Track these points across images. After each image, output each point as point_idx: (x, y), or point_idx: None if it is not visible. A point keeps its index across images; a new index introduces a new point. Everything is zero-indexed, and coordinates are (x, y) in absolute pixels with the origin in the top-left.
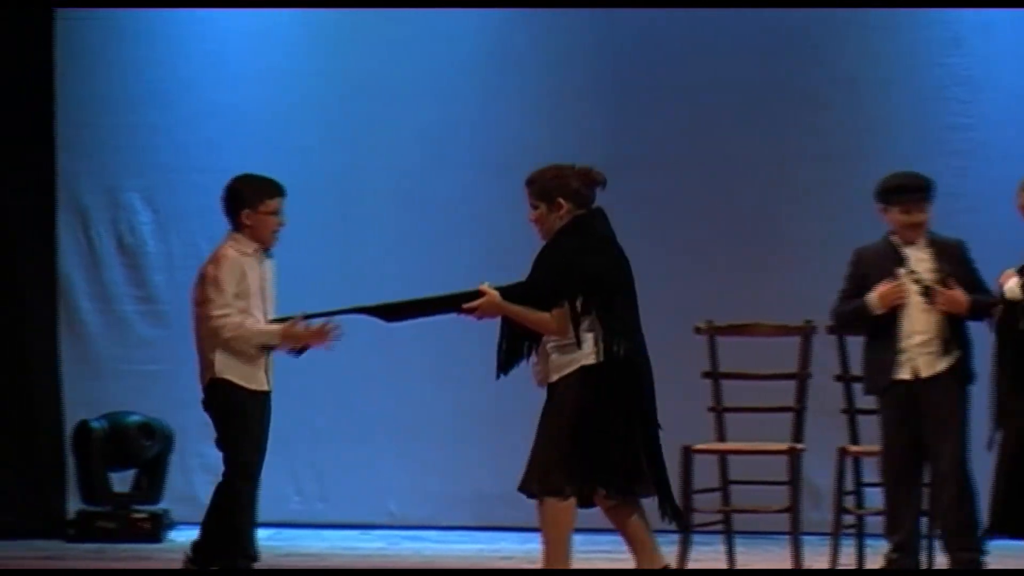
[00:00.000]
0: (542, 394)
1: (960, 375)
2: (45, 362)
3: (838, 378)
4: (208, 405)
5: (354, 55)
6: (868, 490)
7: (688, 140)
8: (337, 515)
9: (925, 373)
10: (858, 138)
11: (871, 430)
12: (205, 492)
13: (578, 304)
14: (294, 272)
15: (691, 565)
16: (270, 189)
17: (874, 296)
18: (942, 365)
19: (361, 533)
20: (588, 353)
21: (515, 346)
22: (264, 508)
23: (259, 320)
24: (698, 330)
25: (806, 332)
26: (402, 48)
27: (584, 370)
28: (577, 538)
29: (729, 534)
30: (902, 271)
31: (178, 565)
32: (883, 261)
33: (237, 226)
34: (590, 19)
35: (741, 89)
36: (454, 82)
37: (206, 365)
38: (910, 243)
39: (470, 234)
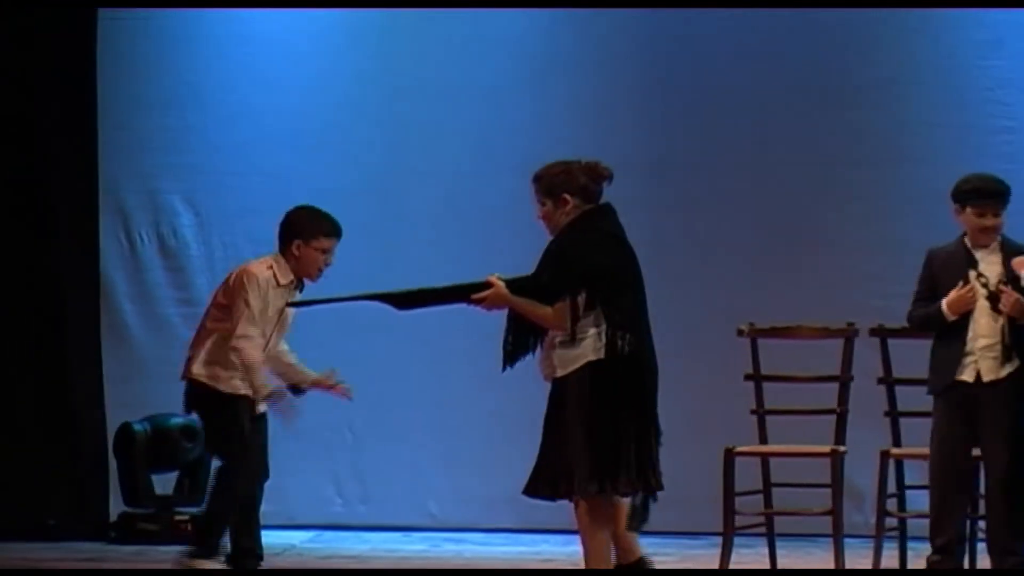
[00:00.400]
0: None
1: (1021, 383)
2: (87, 364)
3: (880, 381)
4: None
5: (394, 56)
6: (910, 493)
7: (731, 142)
8: (379, 517)
9: (987, 377)
10: (900, 141)
11: (913, 433)
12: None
13: (580, 299)
14: (334, 273)
15: (732, 567)
16: (327, 227)
17: (945, 304)
18: (1004, 371)
19: (403, 535)
20: (594, 348)
21: (521, 339)
22: (306, 510)
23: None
24: (740, 332)
25: (848, 335)
26: (444, 50)
27: (591, 366)
28: None
29: (771, 536)
30: (972, 274)
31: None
32: (954, 263)
33: (284, 252)
34: (635, 22)
35: (784, 91)
36: (498, 85)
37: (198, 361)
38: (982, 246)
39: (514, 236)
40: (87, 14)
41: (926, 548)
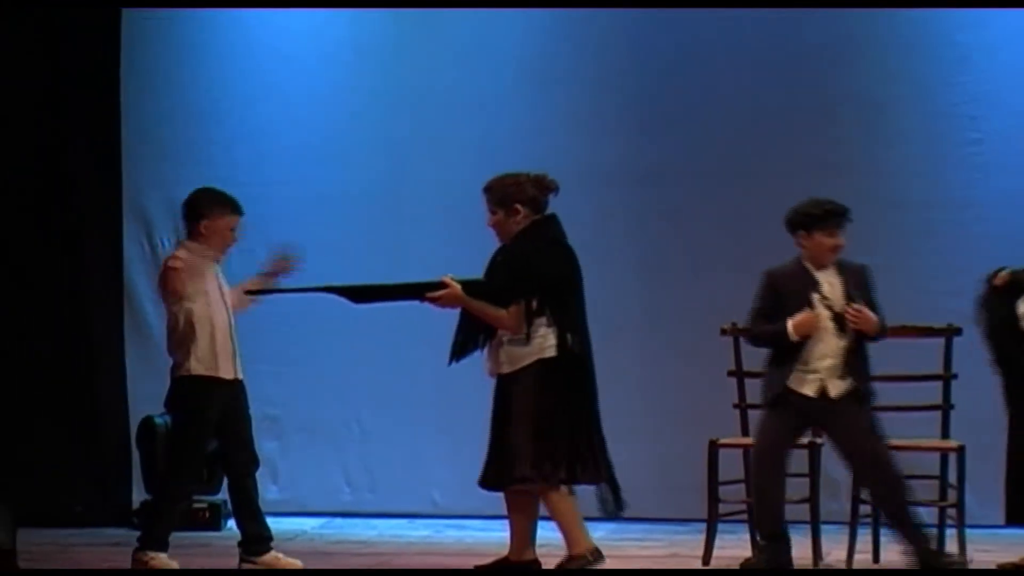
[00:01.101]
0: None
1: (861, 395)
2: (111, 362)
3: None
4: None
5: (398, 71)
6: None
7: (719, 153)
8: (385, 505)
9: (833, 393)
10: (874, 152)
11: (885, 426)
12: (261, 483)
13: (534, 303)
14: (340, 276)
15: (717, 552)
16: (231, 206)
17: (791, 326)
18: (846, 386)
19: (408, 522)
20: (545, 347)
21: (470, 337)
22: (316, 499)
23: (221, 314)
24: (724, 332)
25: None
26: (444, 65)
27: (541, 363)
28: (608, 526)
29: (752, 523)
30: (815, 296)
31: (234, 552)
32: (796, 284)
33: (193, 234)
34: (629, 38)
35: (769, 105)
36: (496, 96)
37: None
38: (822, 267)
39: None
40: (111, 39)
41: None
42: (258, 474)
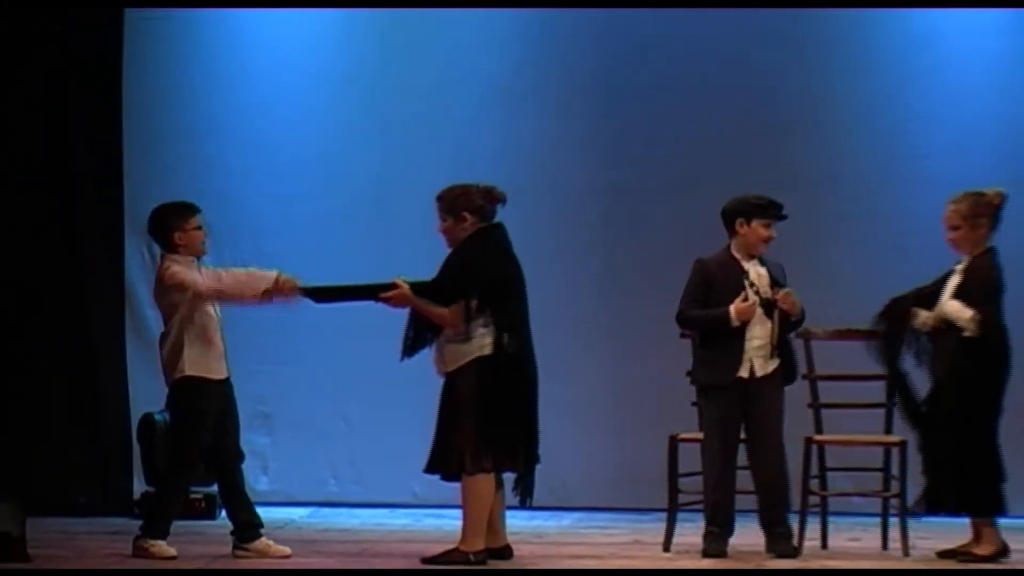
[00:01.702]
0: (561, 384)
1: (786, 377)
2: (113, 363)
3: (805, 376)
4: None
5: (384, 93)
6: (831, 474)
7: (676, 169)
8: (369, 496)
9: (760, 373)
10: (824, 168)
11: (832, 422)
12: (253, 475)
13: (473, 304)
14: (336, 270)
15: (676, 540)
16: (190, 209)
17: (734, 312)
18: (771, 367)
19: (389, 511)
20: (482, 346)
21: (420, 335)
22: (304, 490)
23: (212, 316)
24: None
25: None
26: (427, 88)
27: (479, 360)
28: (575, 515)
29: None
30: (747, 283)
31: (227, 539)
32: (727, 273)
33: (171, 247)
34: (592, 64)
35: (723, 125)
36: (472, 118)
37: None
38: (750, 258)
39: None
40: (113, 72)
41: (846, 523)
42: (250, 467)
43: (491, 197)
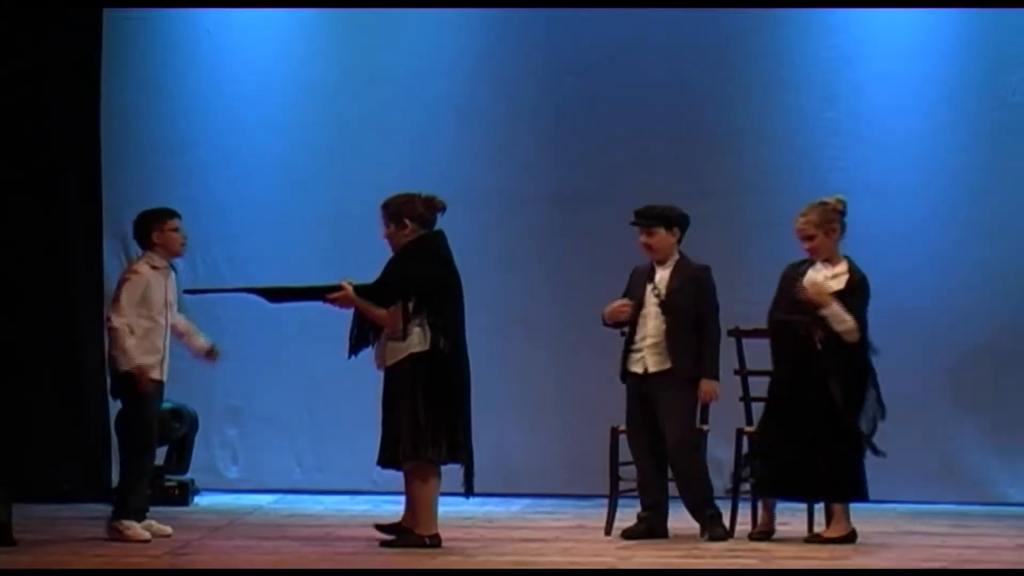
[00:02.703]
0: (512, 380)
1: (685, 376)
2: (94, 361)
3: (736, 372)
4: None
5: (343, 109)
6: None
7: (618, 179)
8: (332, 483)
9: (652, 369)
10: (754, 178)
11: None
12: (224, 464)
13: (410, 305)
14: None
15: (617, 523)
16: (168, 212)
17: (604, 311)
18: (667, 364)
19: (350, 498)
20: (417, 343)
21: (363, 334)
22: (271, 477)
23: (162, 327)
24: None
25: None
26: (384, 104)
27: (413, 356)
28: (524, 501)
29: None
30: (649, 285)
31: (200, 525)
32: (641, 276)
33: (149, 246)
34: (537, 80)
35: (662, 138)
36: (427, 130)
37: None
38: (661, 263)
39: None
40: (91, 85)
41: (781, 507)
42: (220, 456)
43: (432, 206)
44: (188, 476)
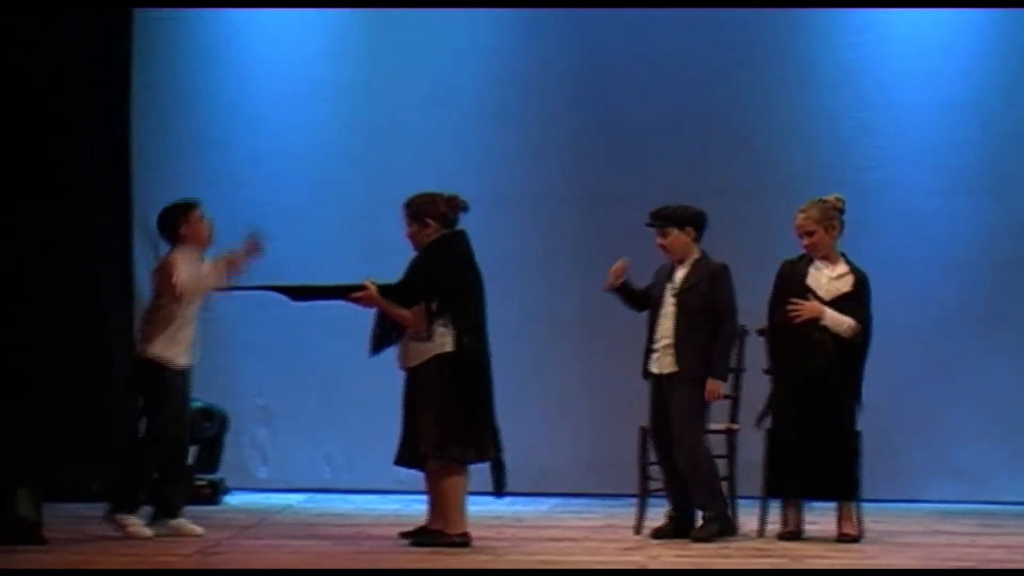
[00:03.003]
0: (541, 378)
1: (691, 376)
2: (122, 357)
3: (766, 371)
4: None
5: (373, 109)
6: None
7: (644, 179)
8: (361, 482)
9: (665, 371)
10: (785, 178)
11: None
12: (253, 464)
13: (433, 306)
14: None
15: (647, 522)
16: (191, 204)
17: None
18: (675, 365)
19: (379, 497)
20: (442, 344)
21: (385, 333)
22: (301, 477)
23: (189, 318)
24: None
25: (740, 335)
26: (420, 106)
27: (439, 357)
28: (553, 501)
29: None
30: (669, 284)
31: (230, 524)
32: (662, 276)
33: (178, 240)
34: (565, 83)
35: (686, 139)
36: (460, 131)
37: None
38: (680, 263)
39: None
40: (121, 84)
41: (811, 506)
42: (250, 456)
43: (454, 205)
44: (218, 475)
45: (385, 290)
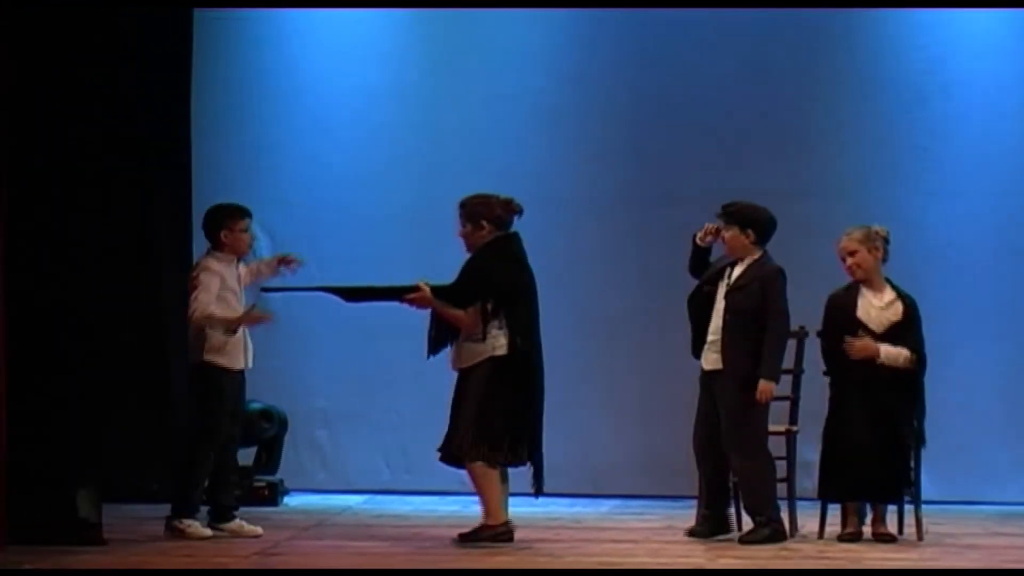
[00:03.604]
0: (599, 379)
1: (737, 375)
2: (181, 361)
3: (825, 373)
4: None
5: (432, 111)
6: None
7: (701, 180)
8: (420, 484)
9: (711, 367)
10: (842, 179)
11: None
12: (312, 465)
13: (488, 307)
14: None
15: (684, 523)
16: (240, 212)
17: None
18: (722, 364)
19: (439, 498)
20: (496, 346)
21: (442, 334)
22: (360, 478)
23: (237, 310)
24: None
25: (800, 336)
26: (476, 107)
27: (493, 360)
28: (612, 502)
29: (737, 499)
30: (724, 280)
31: (290, 525)
32: (718, 271)
33: (216, 243)
34: (625, 81)
35: (745, 137)
36: (518, 135)
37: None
38: (738, 260)
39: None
40: (183, 54)
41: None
42: (309, 457)
43: (509, 208)
44: (277, 477)
45: (439, 291)
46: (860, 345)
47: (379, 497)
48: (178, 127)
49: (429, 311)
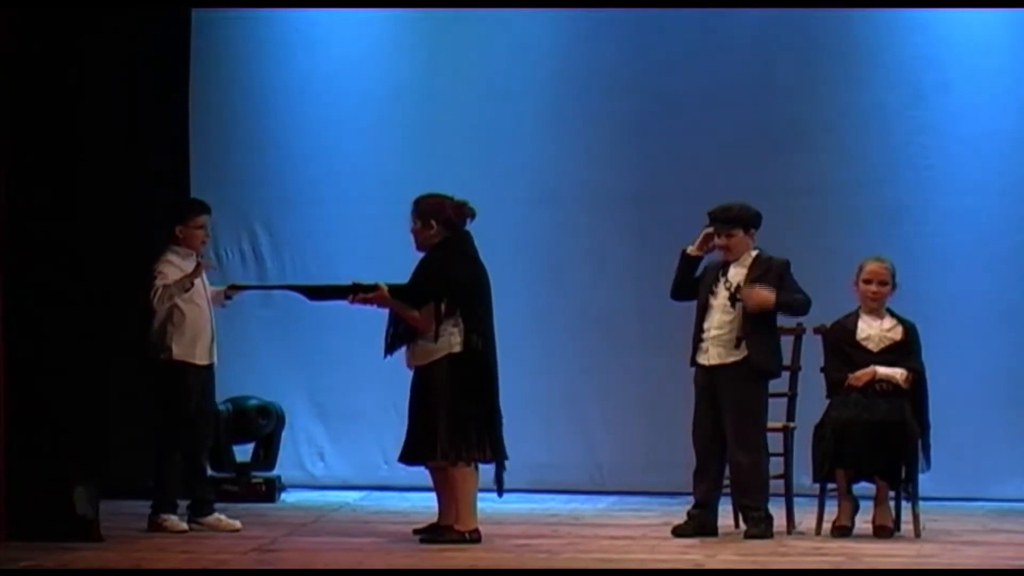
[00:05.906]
0: (597, 376)
1: (748, 369)
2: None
3: (822, 369)
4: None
5: (434, 110)
6: None
7: (699, 177)
8: (418, 480)
9: (714, 361)
10: (840, 175)
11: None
12: (310, 462)
13: (442, 307)
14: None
15: (672, 520)
16: (198, 208)
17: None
18: (732, 358)
19: (435, 494)
20: (451, 344)
21: (399, 333)
22: (357, 474)
23: (205, 310)
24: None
25: (797, 333)
26: (474, 105)
27: (450, 357)
28: (610, 499)
29: (735, 496)
30: (722, 280)
31: (286, 521)
32: (713, 271)
33: (172, 238)
34: (623, 82)
35: (743, 136)
36: (516, 132)
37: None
38: (734, 261)
39: (523, 253)
40: (181, 54)
41: (865, 504)
42: (307, 453)
43: (461, 212)
44: (275, 473)
45: (396, 290)
46: (859, 373)
47: (377, 493)
48: (177, 127)
49: (388, 310)
